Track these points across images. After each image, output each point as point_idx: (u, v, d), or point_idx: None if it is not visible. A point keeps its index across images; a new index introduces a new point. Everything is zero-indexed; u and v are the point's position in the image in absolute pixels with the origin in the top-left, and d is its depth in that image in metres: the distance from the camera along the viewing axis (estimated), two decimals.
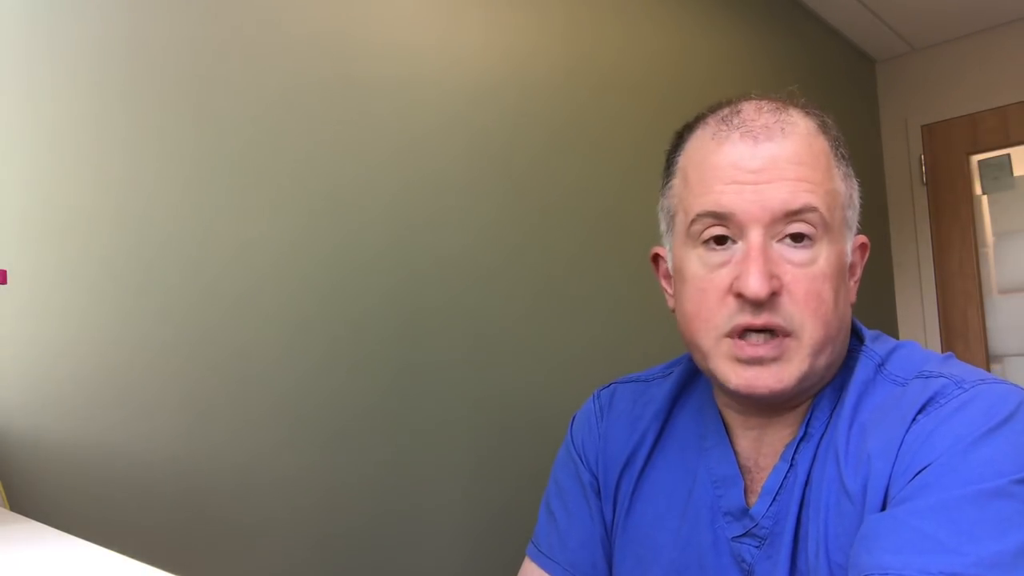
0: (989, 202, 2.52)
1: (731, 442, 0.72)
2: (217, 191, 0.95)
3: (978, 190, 2.54)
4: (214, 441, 0.92)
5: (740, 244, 0.64)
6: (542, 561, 0.80)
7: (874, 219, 2.57)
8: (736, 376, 0.64)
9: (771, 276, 0.62)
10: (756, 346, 0.63)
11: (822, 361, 0.64)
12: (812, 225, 0.63)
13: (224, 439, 0.93)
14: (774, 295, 0.62)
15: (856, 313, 0.71)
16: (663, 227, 0.74)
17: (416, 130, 1.19)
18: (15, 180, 0.79)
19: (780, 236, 0.63)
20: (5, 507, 0.70)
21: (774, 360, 0.63)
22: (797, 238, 0.63)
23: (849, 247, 0.68)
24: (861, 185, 0.71)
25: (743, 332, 0.63)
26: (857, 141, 2.53)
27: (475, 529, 1.20)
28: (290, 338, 1.00)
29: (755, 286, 0.61)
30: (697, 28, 1.84)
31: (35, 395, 0.79)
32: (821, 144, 0.66)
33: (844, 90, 2.51)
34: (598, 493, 0.80)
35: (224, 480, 0.92)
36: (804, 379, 0.64)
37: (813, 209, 0.63)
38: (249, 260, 0.97)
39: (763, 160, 0.64)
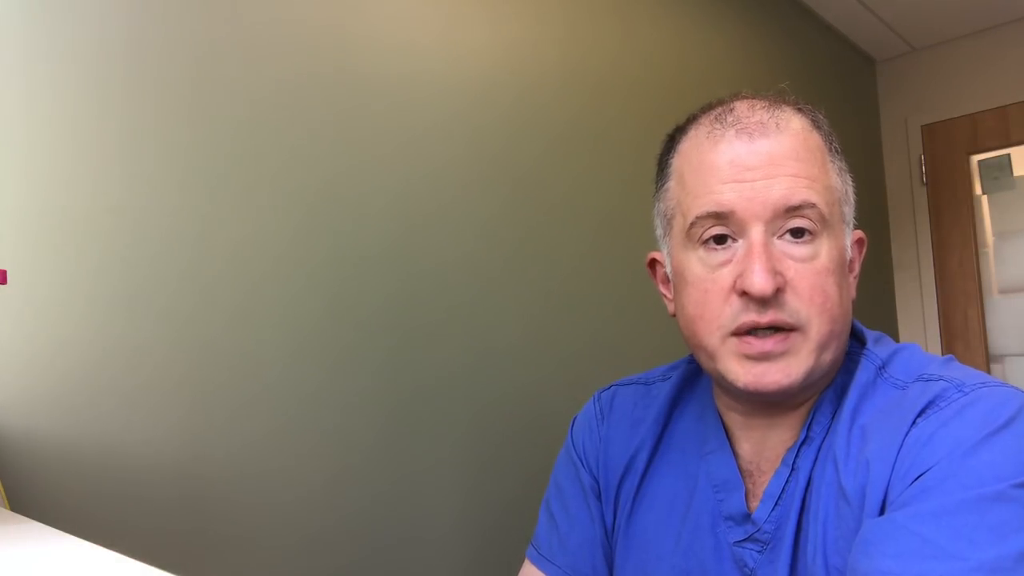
0: (989, 202, 2.52)
1: (732, 446, 0.71)
2: (215, 190, 0.95)
3: (978, 190, 2.54)
4: (214, 441, 0.92)
5: (741, 242, 0.64)
6: (542, 563, 0.80)
7: (874, 219, 2.57)
8: (745, 373, 0.63)
9: (775, 273, 0.62)
10: (764, 340, 0.62)
11: (828, 356, 0.64)
12: (812, 220, 0.63)
13: (224, 439, 0.93)
14: (778, 291, 0.62)
15: (856, 313, 0.70)
16: (659, 231, 0.73)
17: (416, 129, 1.18)
18: (15, 180, 0.79)
19: (780, 232, 0.63)
20: (5, 507, 0.70)
21: (781, 355, 0.62)
22: (797, 233, 0.63)
23: (848, 242, 0.68)
24: (856, 182, 0.71)
25: (749, 330, 0.63)
26: (857, 141, 2.53)
27: (474, 530, 1.20)
28: (289, 337, 1.00)
29: (760, 283, 0.60)
30: (697, 28, 1.84)
31: (35, 395, 0.79)
32: (816, 140, 0.66)
33: (844, 90, 2.50)
34: (599, 496, 0.79)
35: (224, 479, 0.92)
36: (810, 374, 0.63)
37: (812, 205, 0.63)
38: (248, 259, 0.97)
39: (760, 157, 0.63)
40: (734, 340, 0.64)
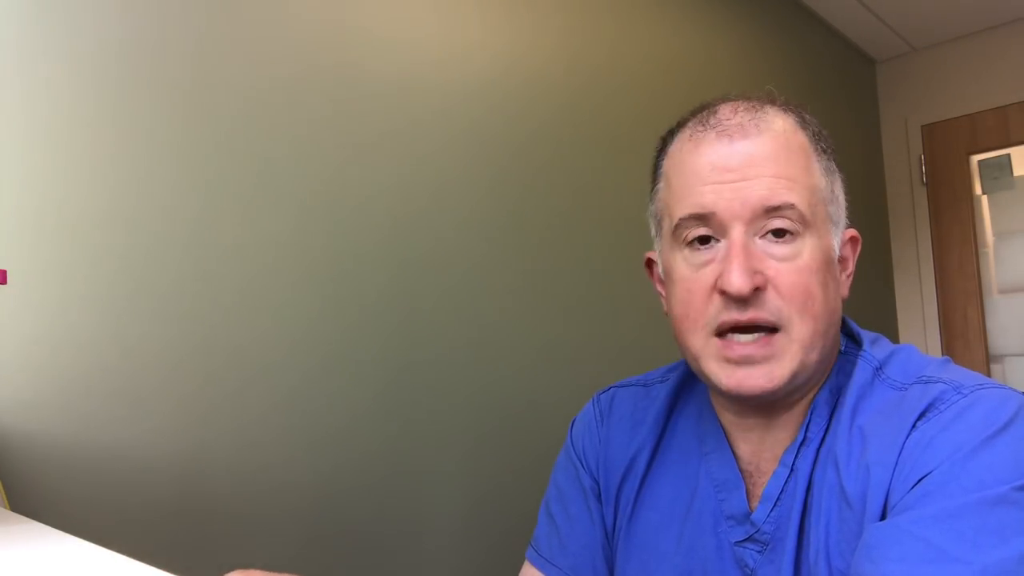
0: (989, 202, 2.52)
1: (731, 446, 0.72)
2: (213, 189, 0.95)
3: (978, 190, 2.54)
4: (213, 440, 0.92)
5: (723, 242, 0.65)
6: (542, 565, 0.80)
7: (874, 219, 2.57)
8: (727, 377, 0.64)
9: (754, 272, 0.62)
10: (745, 345, 0.63)
11: (814, 357, 0.64)
12: (792, 221, 0.63)
13: (223, 438, 0.93)
14: (758, 290, 0.62)
15: (856, 313, 0.71)
16: (653, 232, 0.75)
17: (413, 127, 1.19)
18: (14, 180, 0.79)
19: (762, 232, 0.64)
20: (5, 507, 0.70)
21: (764, 359, 0.63)
22: (779, 233, 0.63)
23: (836, 242, 0.68)
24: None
25: (730, 330, 0.64)
26: (857, 141, 2.53)
27: (474, 530, 1.20)
28: (288, 336, 1.00)
29: (737, 282, 0.61)
30: (697, 29, 1.84)
31: (35, 395, 0.79)
32: (800, 140, 0.66)
33: (844, 90, 2.50)
34: (599, 497, 0.79)
35: (223, 479, 0.92)
36: (795, 376, 0.63)
37: (791, 205, 0.63)
38: (246, 258, 0.97)
39: (740, 158, 0.64)
40: (716, 342, 0.64)
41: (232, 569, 0.47)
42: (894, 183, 2.65)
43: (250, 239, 0.97)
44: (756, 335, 0.63)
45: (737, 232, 0.63)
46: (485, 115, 1.30)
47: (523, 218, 1.34)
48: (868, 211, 2.53)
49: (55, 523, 0.61)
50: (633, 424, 0.79)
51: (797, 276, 0.63)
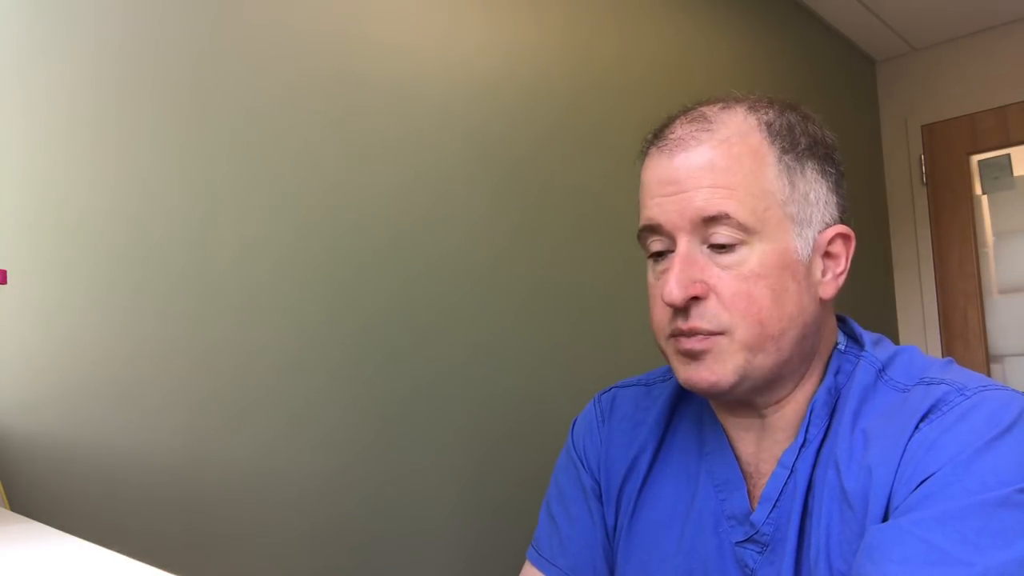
0: (989, 202, 2.52)
1: (732, 447, 0.72)
2: (215, 191, 0.95)
3: (978, 190, 2.54)
4: (214, 441, 0.92)
5: (674, 253, 0.67)
6: (543, 565, 0.80)
7: (874, 219, 2.57)
8: (681, 371, 0.68)
9: (692, 282, 0.64)
10: (689, 339, 0.66)
11: (765, 359, 0.64)
12: (732, 228, 0.64)
13: (223, 439, 0.93)
14: (698, 299, 0.65)
15: (856, 313, 0.70)
16: None
17: (415, 129, 1.18)
18: (14, 180, 0.79)
19: (708, 242, 0.65)
20: (5, 507, 0.70)
21: (705, 353, 0.65)
22: (719, 245, 0.65)
23: (803, 242, 0.66)
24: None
25: (677, 334, 0.67)
26: (857, 141, 2.53)
27: (475, 532, 1.20)
28: (289, 338, 1.00)
29: (670, 294, 0.64)
30: (696, 28, 1.84)
31: (35, 395, 0.79)
32: (751, 144, 0.66)
33: (844, 90, 2.50)
34: (599, 497, 0.80)
35: (224, 480, 0.92)
36: (744, 375, 0.65)
37: (728, 216, 0.64)
38: (248, 259, 0.97)
39: (678, 171, 0.66)
40: (672, 340, 0.68)
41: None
42: (894, 183, 2.65)
43: (252, 241, 0.97)
44: (697, 335, 0.66)
45: (682, 243, 0.66)
46: (488, 120, 1.30)
47: (527, 223, 1.34)
48: (868, 211, 2.53)
49: (55, 523, 0.61)
50: (634, 424, 0.79)
51: (739, 284, 0.64)
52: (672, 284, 0.64)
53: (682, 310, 0.65)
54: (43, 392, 0.79)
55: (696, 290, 0.64)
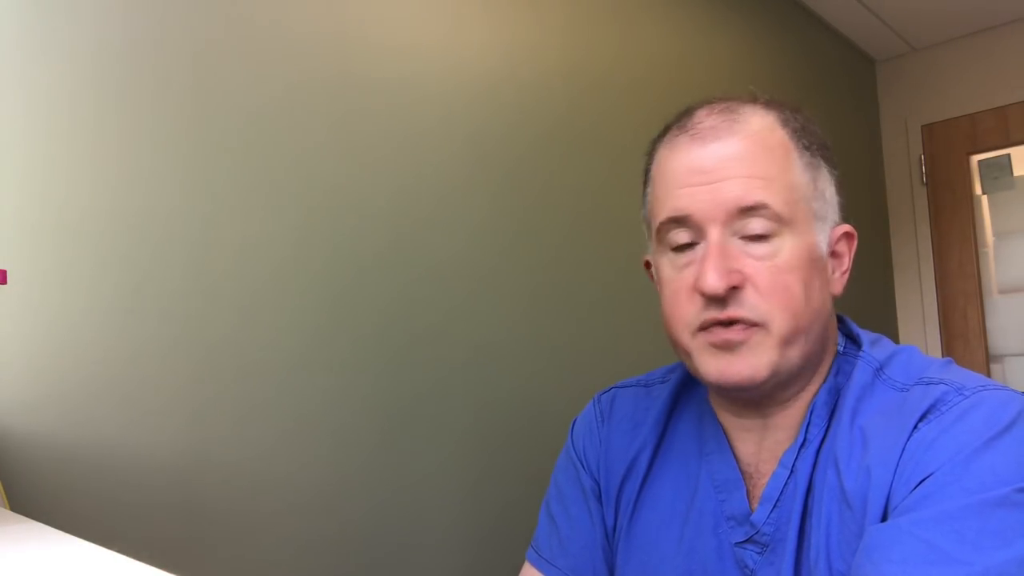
0: (989, 202, 2.52)
1: (732, 447, 0.72)
2: (216, 192, 0.95)
3: (978, 190, 2.54)
4: (214, 442, 0.92)
5: (703, 244, 0.66)
6: (542, 565, 0.80)
7: (874, 219, 2.57)
8: (712, 366, 0.65)
9: (730, 271, 0.63)
10: (726, 330, 0.64)
11: (795, 352, 0.65)
12: (767, 220, 0.64)
13: (224, 439, 0.93)
14: (736, 289, 0.63)
15: (856, 313, 0.70)
16: (646, 235, 0.76)
17: (416, 130, 1.18)
18: (15, 180, 0.79)
19: (740, 233, 0.65)
20: (5, 507, 0.70)
21: (742, 344, 0.64)
22: (756, 236, 0.64)
23: (823, 238, 0.67)
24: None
25: (712, 325, 0.65)
26: (857, 141, 2.53)
27: (474, 532, 1.20)
28: (289, 339, 1.00)
29: (711, 282, 0.63)
30: (697, 29, 1.84)
31: (35, 395, 0.79)
32: (778, 137, 0.67)
33: (844, 90, 2.50)
34: (599, 498, 0.80)
35: (224, 480, 0.92)
36: (776, 369, 0.64)
37: (765, 206, 0.63)
38: (249, 260, 0.97)
39: (713, 160, 0.65)
40: (702, 334, 0.66)
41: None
42: (894, 183, 2.65)
43: (253, 242, 0.97)
44: (737, 325, 0.64)
45: (714, 233, 0.64)
46: (488, 121, 1.30)
47: (528, 224, 1.34)
48: (868, 211, 2.53)
49: (55, 523, 0.61)
50: (634, 425, 0.79)
51: (775, 275, 0.64)
52: (713, 273, 0.63)
53: (718, 301, 0.64)
54: (43, 392, 0.79)
55: (734, 279, 0.63)
